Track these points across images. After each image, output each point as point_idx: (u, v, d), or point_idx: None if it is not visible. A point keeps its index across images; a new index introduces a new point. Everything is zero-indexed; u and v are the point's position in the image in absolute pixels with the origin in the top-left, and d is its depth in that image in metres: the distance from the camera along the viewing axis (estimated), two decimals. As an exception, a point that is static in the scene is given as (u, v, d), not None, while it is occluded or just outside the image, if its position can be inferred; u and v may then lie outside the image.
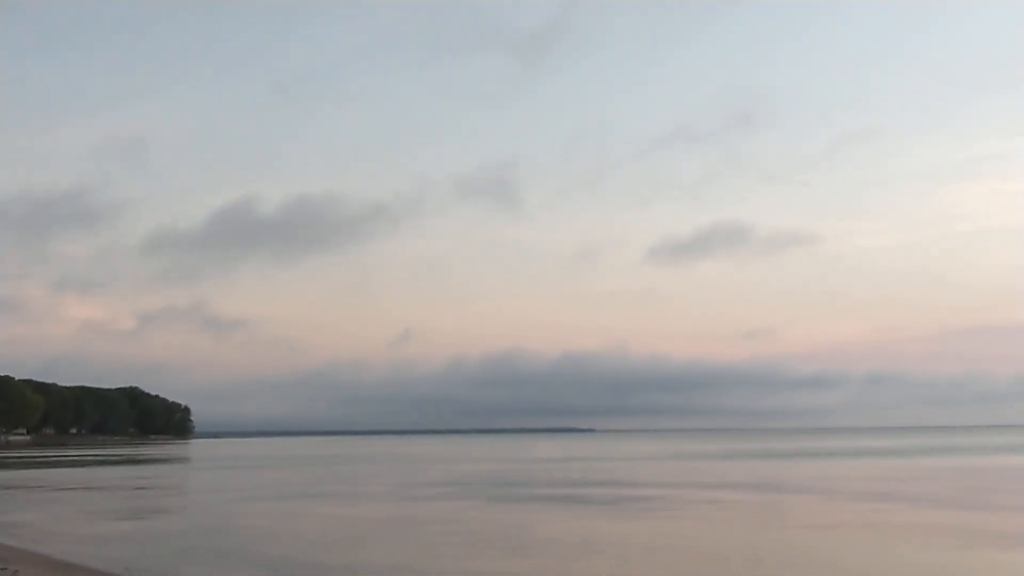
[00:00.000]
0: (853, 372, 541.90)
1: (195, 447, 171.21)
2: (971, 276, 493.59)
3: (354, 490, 47.56)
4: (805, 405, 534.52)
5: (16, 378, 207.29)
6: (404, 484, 51.25)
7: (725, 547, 22.71)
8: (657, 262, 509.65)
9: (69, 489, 49.72)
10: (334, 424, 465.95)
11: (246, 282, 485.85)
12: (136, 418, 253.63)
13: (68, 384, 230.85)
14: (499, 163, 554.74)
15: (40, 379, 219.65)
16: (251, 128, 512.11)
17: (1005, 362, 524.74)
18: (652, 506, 34.51)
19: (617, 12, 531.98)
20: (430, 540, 24.68)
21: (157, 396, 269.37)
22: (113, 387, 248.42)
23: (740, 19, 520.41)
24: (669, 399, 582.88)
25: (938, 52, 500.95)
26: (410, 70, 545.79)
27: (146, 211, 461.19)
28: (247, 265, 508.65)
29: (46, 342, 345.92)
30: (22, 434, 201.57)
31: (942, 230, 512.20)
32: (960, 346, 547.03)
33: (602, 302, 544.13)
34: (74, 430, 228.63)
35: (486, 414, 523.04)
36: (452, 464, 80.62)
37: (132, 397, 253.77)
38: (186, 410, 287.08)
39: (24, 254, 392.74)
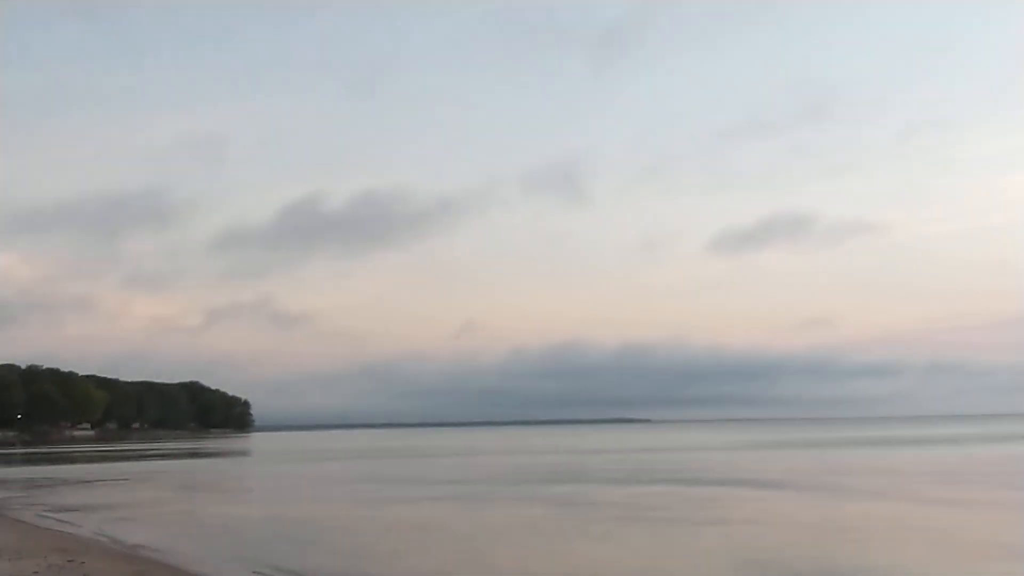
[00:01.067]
0: (914, 360, 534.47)
1: (255, 440, 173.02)
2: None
3: (420, 482, 47.38)
4: (865, 394, 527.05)
5: (81, 374, 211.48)
6: (464, 479, 50.96)
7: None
8: (719, 253, 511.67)
9: (134, 481, 50.03)
10: (394, 416, 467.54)
11: (312, 277, 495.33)
12: (196, 412, 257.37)
13: (131, 380, 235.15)
14: (566, 157, 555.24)
15: (107, 375, 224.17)
16: (323, 125, 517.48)
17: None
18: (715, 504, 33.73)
19: (686, 6, 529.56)
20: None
21: (217, 390, 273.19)
22: (175, 382, 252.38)
23: (807, 10, 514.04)
24: (727, 389, 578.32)
25: (1004, 41, 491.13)
26: (481, 67, 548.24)
27: (216, 209, 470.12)
28: (313, 261, 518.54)
29: (114, 339, 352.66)
30: (86, 429, 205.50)
31: (1004, 218, 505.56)
32: (1022, 334, 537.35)
33: (663, 293, 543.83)
34: (136, 424, 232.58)
35: (544, 406, 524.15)
36: (508, 456, 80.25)
37: (192, 392, 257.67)
38: (246, 404, 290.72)
39: (96, 253, 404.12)
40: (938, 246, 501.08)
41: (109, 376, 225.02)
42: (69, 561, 17.34)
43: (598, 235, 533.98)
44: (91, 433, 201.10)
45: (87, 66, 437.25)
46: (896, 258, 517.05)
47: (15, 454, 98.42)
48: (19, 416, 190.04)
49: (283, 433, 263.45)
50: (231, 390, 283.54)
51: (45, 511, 31.03)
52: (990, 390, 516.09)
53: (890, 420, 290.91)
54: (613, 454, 77.45)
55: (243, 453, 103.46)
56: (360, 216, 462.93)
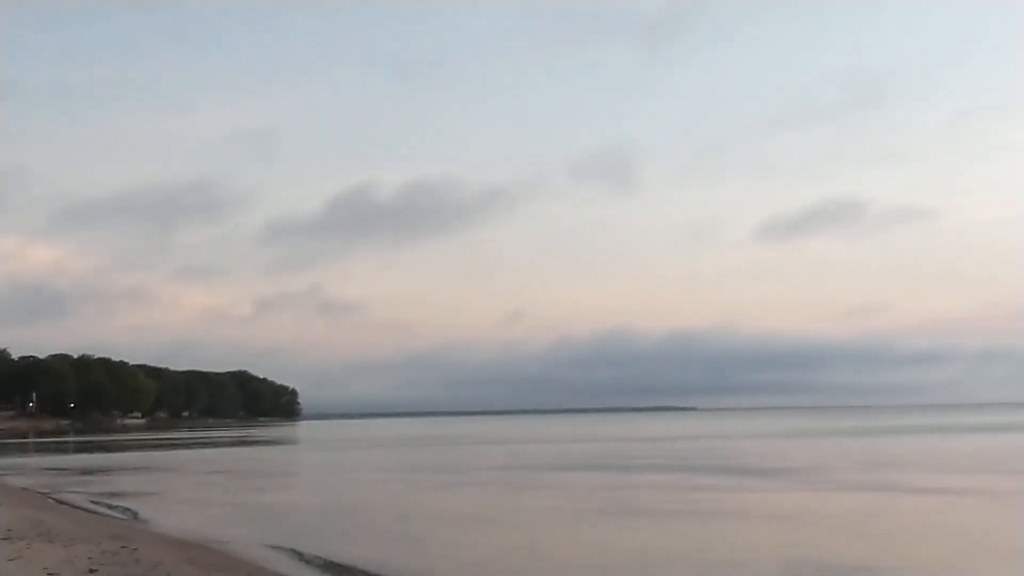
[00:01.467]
0: (964, 347, 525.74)
1: (303, 428, 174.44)
2: None
3: (464, 469, 47.61)
4: (914, 381, 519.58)
5: (132, 364, 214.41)
6: (512, 466, 51.13)
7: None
8: (767, 240, 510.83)
9: (187, 470, 50.72)
10: (441, 405, 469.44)
11: (361, 267, 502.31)
12: (245, 401, 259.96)
13: (181, 369, 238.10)
14: (614, 145, 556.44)
15: (158, 365, 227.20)
16: (372, 115, 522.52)
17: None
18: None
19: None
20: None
21: (265, 379, 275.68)
22: (224, 371, 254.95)
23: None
24: (774, 377, 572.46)
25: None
26: (530, 55, 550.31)
27: (267, 200, 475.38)
28: (363, 250, 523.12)
29: (166, 329, 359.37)
30: (137, 417, 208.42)
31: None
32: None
33: (710, 281, 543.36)
34: (186, 413, 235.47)
35: (590, 394, 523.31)
36: (559, 445, 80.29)
37: (241, 380, 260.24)
38: (293, 392, 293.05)
39: (149, 244, 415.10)
40: (988, 232, 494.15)
41: (159, 366, 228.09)
42: (122, 547, 17.54)
43: (645, 223, 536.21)
44: (142, 422, 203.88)
45: (142, 58, 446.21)
46: (946, 245, 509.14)
47: (68, 442, 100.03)
48: (72, 405, 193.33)
49: (330, 422, 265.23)
50: (279, 379, 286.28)
51: (99, 498, 31.55)
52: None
53: (940, 408, 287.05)
54: (649, 442, 77.32)
55: (291, 441, 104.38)
56: (409, 206, 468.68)
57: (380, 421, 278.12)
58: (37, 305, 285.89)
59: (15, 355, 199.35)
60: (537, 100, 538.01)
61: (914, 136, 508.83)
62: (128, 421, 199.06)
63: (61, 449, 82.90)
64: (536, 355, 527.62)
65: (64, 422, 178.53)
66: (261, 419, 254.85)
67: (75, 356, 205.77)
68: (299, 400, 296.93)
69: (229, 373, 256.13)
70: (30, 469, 51.81)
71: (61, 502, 30.03)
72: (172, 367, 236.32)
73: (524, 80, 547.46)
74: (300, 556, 18.34)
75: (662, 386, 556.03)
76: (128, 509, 27.75)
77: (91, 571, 14.57)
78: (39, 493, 33.34)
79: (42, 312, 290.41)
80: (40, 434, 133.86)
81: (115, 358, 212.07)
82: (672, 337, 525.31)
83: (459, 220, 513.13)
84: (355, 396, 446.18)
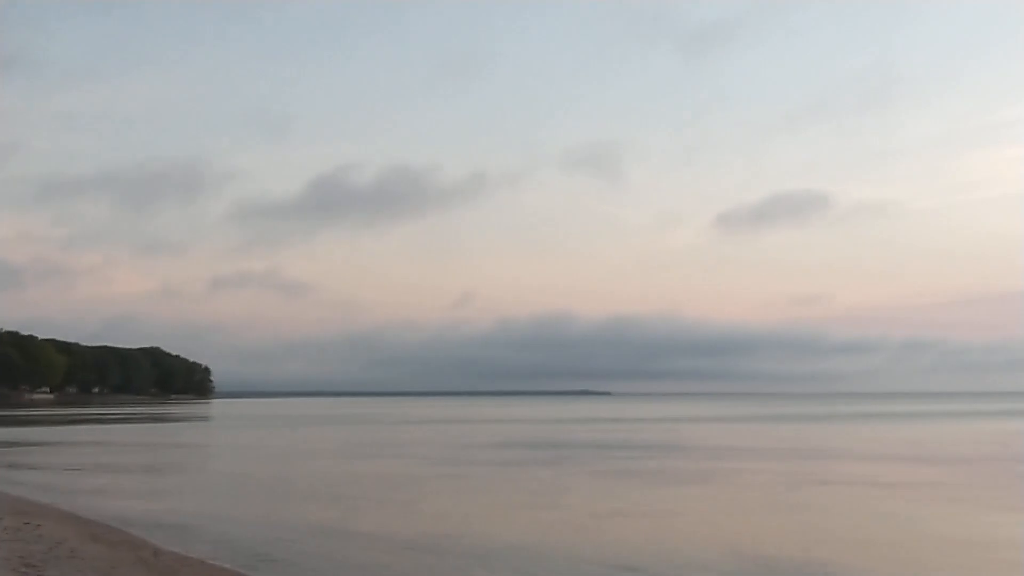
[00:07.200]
0: (891, 338, 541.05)
1: (216, 406, 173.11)
2: (1009, 242, 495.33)
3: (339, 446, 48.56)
4: (841, 370, 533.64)
5: (41, 338, 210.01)
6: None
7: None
8: (725, 231, 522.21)
9: (92, 445, 50.83)
10: (376, 385, 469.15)
11: (323, 249, 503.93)
12: (158, 378, 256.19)
13: (125, 346, 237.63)
14: (594, 139, 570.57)
15: (101, 342, 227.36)
16: (365, 100, 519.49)
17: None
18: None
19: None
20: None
21: (178, 356, 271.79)
22: (136, 347, 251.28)
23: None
24: (703, 363, 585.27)
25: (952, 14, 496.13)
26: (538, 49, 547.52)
27: (248, 181, 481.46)
28: (332, 233, 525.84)
29: (116, 304, 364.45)
30: (45, 392, 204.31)
31: (978, 195, 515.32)
32: (996, 312, 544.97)
33: (663, 268, 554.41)
34: (96, 390, 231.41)
35: (521, 377, 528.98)
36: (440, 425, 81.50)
37: (154, 357, 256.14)
38: (206, 370, 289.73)
39: (118, 220, 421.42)
40: (914, 224, 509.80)
41: (109, 344, 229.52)
42: (25, 524, 17.90)
43: (610, 212, 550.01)
44: (51, 397, 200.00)
45: (125, 35, 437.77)
46: (892, 236, 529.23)
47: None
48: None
49: (246, 400, 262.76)
50: (223, 357, 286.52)
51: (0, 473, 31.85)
52: (964, 368, 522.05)
53: (861, 396, 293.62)
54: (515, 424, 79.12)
55: (203, 418, 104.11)
56: (385, 191, 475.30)
57: (305, 400, 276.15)
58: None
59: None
60: (518, 91, 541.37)
61: (876, 134, 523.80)
62: (36, 396, 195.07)
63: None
64: (477, 337, 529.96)
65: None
66: (174, 396, 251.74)
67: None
68: (212, 377, 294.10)
69: (141, 349, 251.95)
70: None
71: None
72: (116, 343, 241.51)
73: (509, 71, 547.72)
74: (206, 533, 19.26)
75: (593, 370, 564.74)
76: (33, 485, 27.96)
77: (-7, 547, 14.78)
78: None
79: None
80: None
81: (62, 332, 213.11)
82: (612, 322, 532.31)
83: (434, 206, 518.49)
84: (291, 374, 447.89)
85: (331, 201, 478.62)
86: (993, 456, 42.41)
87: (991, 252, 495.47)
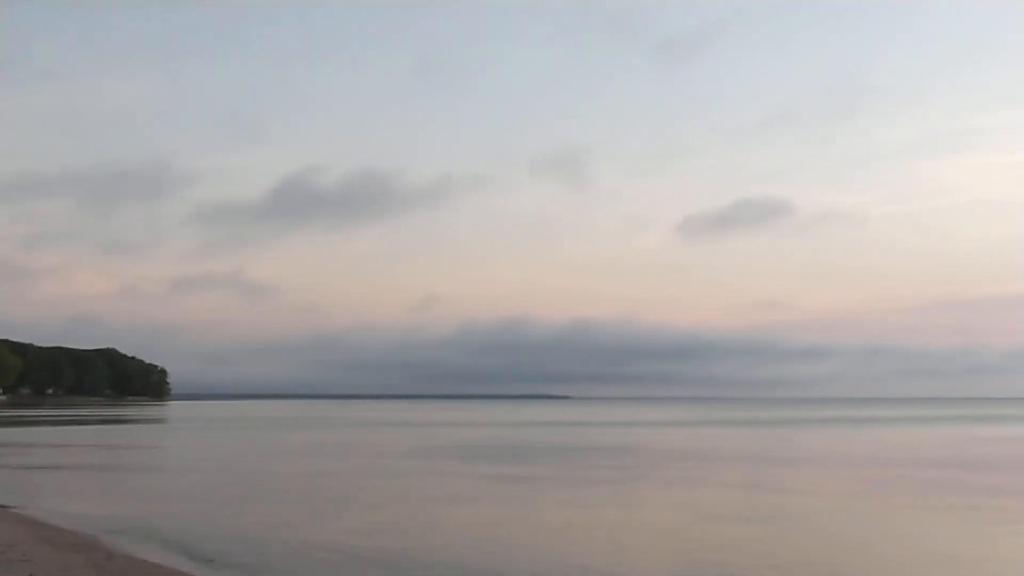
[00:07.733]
0: (849, 344, 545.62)
1: (172, 409, 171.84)
2: (968, 248, 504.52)
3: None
4: (799, 376, 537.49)
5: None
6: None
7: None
8: (689, 236, 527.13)
9: (46, 447, 50.56)
10: (337, 388, 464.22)
11: (287, 251, 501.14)
12: (113, 379, 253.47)
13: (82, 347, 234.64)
14: (563, 144, 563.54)
15: (59, 343, 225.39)
16: (333, 102, 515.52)
17: (1000, 334, 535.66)
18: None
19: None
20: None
21: (134, 358, 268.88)
22: (91, 348, 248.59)
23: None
24: (664, 368, 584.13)
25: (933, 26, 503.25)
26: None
27: (214, 182, 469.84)
28: (297, 235, 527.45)
29: (74, 305, 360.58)
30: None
31: (938, 202, 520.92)
32: (955, 318, 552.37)
33: (627, 273, 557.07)
34: (50, 391, 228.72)
35: (483, 380, 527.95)
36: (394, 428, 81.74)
37: (109, 358, 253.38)
38: (163, 372, 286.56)
39: (82, 220, 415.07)
40: (875, 230, 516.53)
41: (66, 345, 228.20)
42: None
43: (577, 218, 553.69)
44: (3, 398, 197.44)
45: (94, 35, 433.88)
46: (854, 243, 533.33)
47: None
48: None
49: (203, 403, 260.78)
50: (184, 359, 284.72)
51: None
52: (924, 374, 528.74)
53: (817, 401, 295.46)
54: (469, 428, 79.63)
55: (158, 420, 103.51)
56: (351, 193, 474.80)
57: (263, 403, 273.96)
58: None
59: None
60: (488, 95, 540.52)
61: (842, 142, 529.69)
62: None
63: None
64: (439, 340, 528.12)
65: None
66: (130, 398, 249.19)
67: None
68: (170, 379, 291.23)
69: (97, 351, 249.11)
70: None
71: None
72: (75, 345, 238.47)
73: (479, 76, 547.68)
74: (149, 535, 19.56)
75: (553, 374, 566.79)
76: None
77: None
78: None
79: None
80: None
81: (19, 333, 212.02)
82: (572, 326, 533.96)
83: (400, 209, 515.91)
84: (252, 377, 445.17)
85: (297, 203, 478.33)
86: (925, 461, 43.35)
87: (951, 259, 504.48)
